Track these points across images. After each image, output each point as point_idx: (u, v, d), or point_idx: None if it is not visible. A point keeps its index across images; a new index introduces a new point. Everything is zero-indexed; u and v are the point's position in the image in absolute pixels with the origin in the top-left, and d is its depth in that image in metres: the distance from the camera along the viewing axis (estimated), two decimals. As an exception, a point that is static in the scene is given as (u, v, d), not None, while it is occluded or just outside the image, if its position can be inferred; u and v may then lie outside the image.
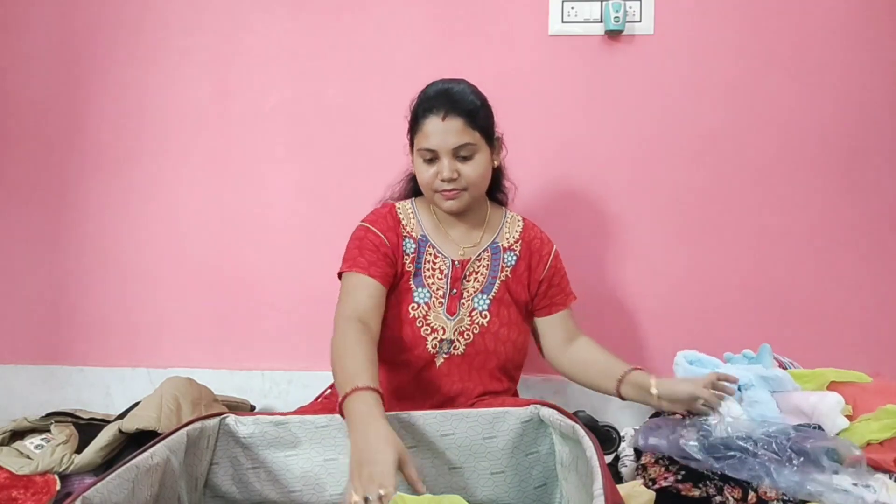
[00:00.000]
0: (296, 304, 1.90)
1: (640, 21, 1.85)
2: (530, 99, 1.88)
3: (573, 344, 1.45)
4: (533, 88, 1.88)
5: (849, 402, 1.32)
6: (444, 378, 1.34)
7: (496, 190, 1.49)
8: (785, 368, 1.51)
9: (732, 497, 1.10)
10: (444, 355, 1.34)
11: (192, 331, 1.96)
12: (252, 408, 1.81)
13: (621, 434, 1.46)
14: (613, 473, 1.35)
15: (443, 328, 1.34)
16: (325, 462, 1.15)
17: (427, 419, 1.14)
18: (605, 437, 1.48)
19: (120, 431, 1.42)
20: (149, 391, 1.62)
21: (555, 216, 1.86)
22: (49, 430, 1.48)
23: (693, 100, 1.85)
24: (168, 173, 1.96)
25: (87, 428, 1.49)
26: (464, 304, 1.36)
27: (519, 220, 1.47)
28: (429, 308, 1.35)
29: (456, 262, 1.37)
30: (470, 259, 1.38)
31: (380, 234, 1.35)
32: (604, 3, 1.83)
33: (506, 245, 1.42)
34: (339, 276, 1.35)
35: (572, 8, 1.86)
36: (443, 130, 1.27)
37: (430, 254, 1.37)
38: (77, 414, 1.57)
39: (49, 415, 1.54)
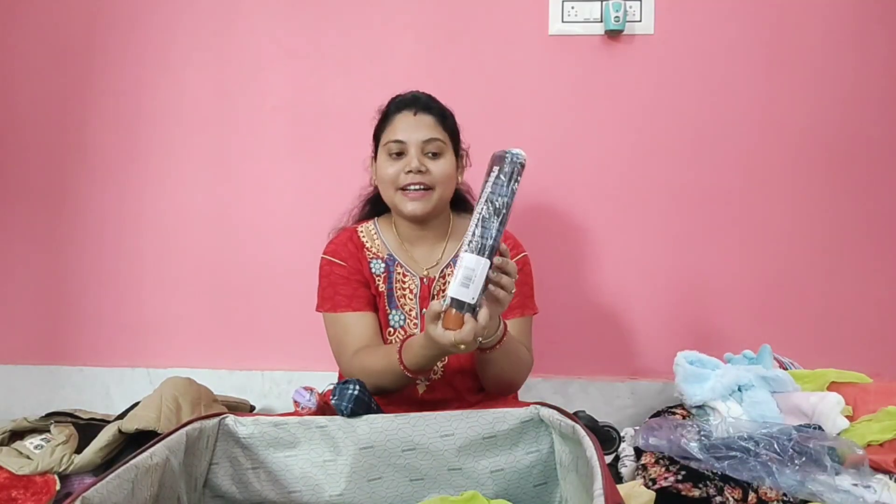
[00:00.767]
0: (296, 305, 1.90)
1: (640, 21, 1.85)
2: (530, 99, 1.88)
3: None
4: (533, 88, 1.88)
5: (849, 403, 1.32)
6: (428, 406, 1.24)
7: (461, 205, 1.44)
8: (785, 368, 1.51)
9: (733, 497, 1.10)
10: (425, 383, 1.31)
11: (192, 331, 1.96)
12: (252, 408, 1.81)
13: (621, 434, 1.46)
14: (613, 473, 1.35)
15: None
16: (325, 463, 1.15)
17: (427, 420, 1.14)
18: (605, 437, 1.47)
19: (119, 431, 1.42)
20: (148, 391, 1.62)
21: (554, 216, 1.86)
22: (49, 431, 1.48)
23: (693, 100, 1.85)
24: (168, 173, 1.96)
25: (87, 428, 1.49)
26: None
27: None
28: (405, 332, 1.31)
29: (424, 280, 1.33)
30: (435, 277, 1.33)
31: (343, 263, 1.32)
32: (604, 3, 1.83)
33: None
34: (320, 311, 1.34)
35: (572, 8, 1.86)
36: (414, 124, 1.27)
37: (399, 273, 1.33)
38: (77, 414, 1.57)
39: (49, 415, 1.54)
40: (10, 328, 2.00)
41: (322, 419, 1.16)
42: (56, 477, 1.36)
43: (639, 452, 1.29)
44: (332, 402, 1.16)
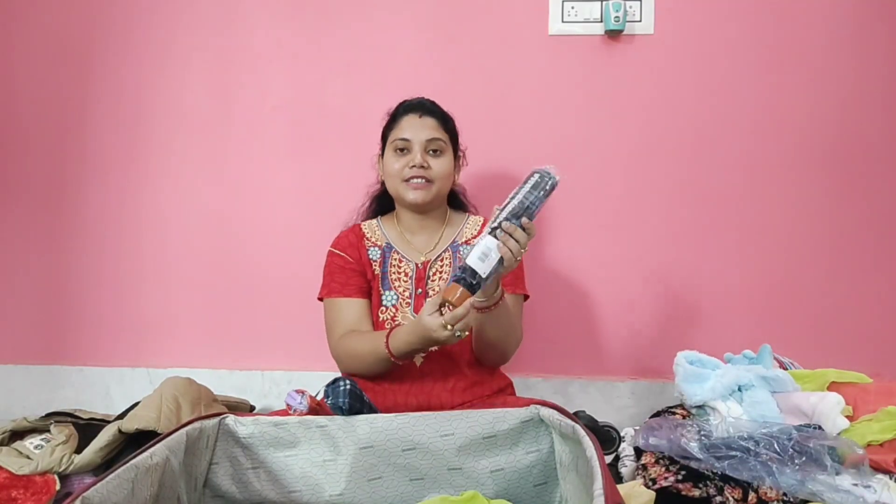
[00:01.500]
0: (296, 305, 1.90)
1: (640, 21, 1.85)
2: (530, 99, 1.88)
3: None
4: (533, 88, 1.88)
5: (849, 403, 1.32)
6: (427, 377, 1.37)
7: (457, 203, 1.58)
8: (785, 368, 1.51)
9: (733, 497, 1.10)
10: (422, 355, 1.38)
11: (192, 331, 1.96)
12: (252, 408, 1.81)
13: (621, 434, 1.46)
14: (613, 473, 1.35)
15: None
16: (325, 462, 1.16)
17: (427, 420, 1.14)
18: (605, 437, 1.47)
19: (119, 431, 1.42)
20: (148, 391, 1.62)
21: (553, 215, 1.86)
22: (49, 430, 1.48)
23: (693, 99, 1.85)
24: (168, 173, 1.96)
25: (87, 428, 1.49)
26: None
27: (480, 220, 1.53)
28: (396, 310, 1.42)
29: (419, 265, 1.45)
30: (431, 260, 1.45)
31: (341, 253, 1.46)
32: (604, 2, 1.83)
33: (465, 241, 1.47)
34: (321, 299, 1.46)
35: (572, 8, 1.86)
36: (419, 125, 1.42)
37: (395, 258, 1.46)
38: (77, 414, 1.57)
39: (49, 415, 1.54)
40: (10, 328, 2.00)
41: (322, 419, 1.17)
42: (56, 477, 1.36)
43: (639, 452, 1.29)
44: (328, 403, 1.16)
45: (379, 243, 1.47)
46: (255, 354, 1.94)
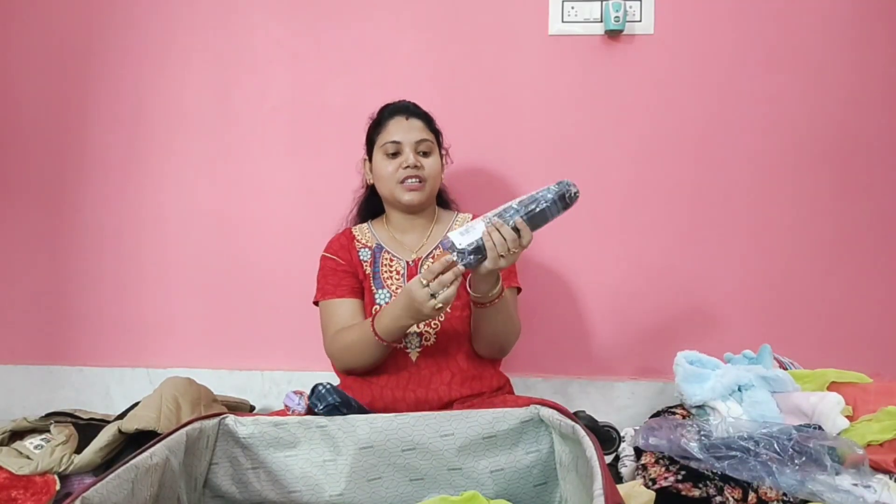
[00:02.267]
0: (295, 305, 1.90)
1: (640, 21, 1.85)
2: (530, 99, 1.88)
3: None
4: (533, 88, 1.88)
5: (849, 403, 1.32)
6: (424, 371, 1.38)
7: (444, 201, 1.61)
8: (785, 368, 1.51)
9: (733, 497, 1.10)
10: (417, 350, 1.39)
11: (192, 331, 1.96)
12: (252, 408, 1.81)
13: (621, 434, 1.46)
14: (613, 473, 1.35)
15: None
16: (325, 463, 1.16)
17: (427, 420, 1.14)
18: (605, 437, 1.47)
19: (119, 432, 1.42)
20: (148, 391, 1.62)
21: (555, 216, 1.86)
22: (49, 431, 1.48)
23: (693, 99, 1.85)
24: (168, 173, 1.96)
25: (87, 428, 1.49)
26: None
27: (469, 216, 1.56)
28: None
29: (410, 263, 1.47)
30: (422, 258, 1.47)
31: (333, 256, 1.49)
32: (604, 2, 1.83)
33: None
34: (316, 303, 1.49)
35: (572, 8, 1.86)
36: (407, 127, 1.45)
37: (386, 258, 1.48)
38: (77, 414, 1.57)
39: (49, 415, 1.54)
40: (10, 328, 2.00)
41: (322, 419, 1.17)
42: (56, 477, 1.36)
43: (639, 452, 1.29)
44: (318, 410, 1.17)
45: (369, 244, 1.50)
46: (255, 354, 1.94)
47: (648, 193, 1.86)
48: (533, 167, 1.87)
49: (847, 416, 1.28)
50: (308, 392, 1.22)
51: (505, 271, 1.38)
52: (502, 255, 1.17)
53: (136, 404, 1.54)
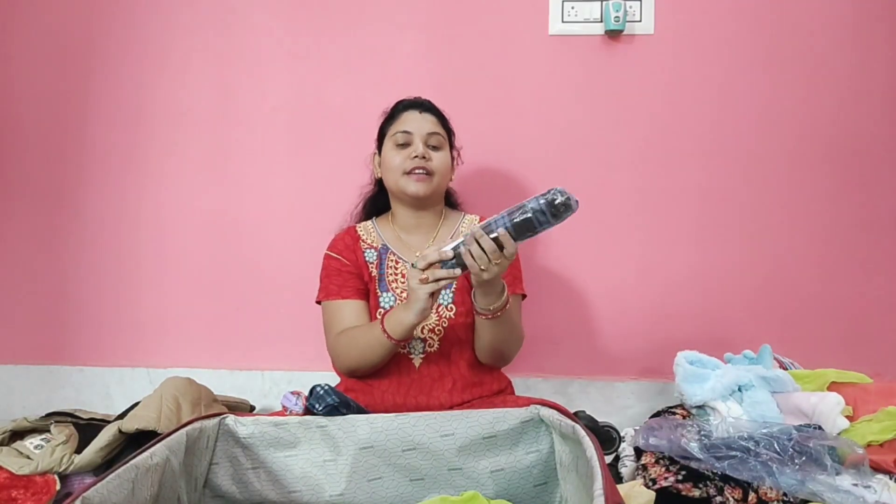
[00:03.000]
0: (296, 305, 1.90)
1: (640, 21, 1.85)
2: (530, 99, 1.88)
3: None
4: (533, 88, 1.88)
5: (849, 403, 1.32)
6: (426, 377, 1.37)
7: (453, 202, 1.61)
8: (785, 369, 1.51)
9: (733, 497, 1.10)
10: (421, 356, 1.38)
11: (192, 331, 1.96)
12: (252, 408, 1.81)
13: (621, 434, 1.46)
14: (613, 473, 1.35)
15: None
16: (325, 463, 1.16)
17: (427, 420, 1.14)
18: (605, 437, 1.47)
19: (120, 431, 1.42)
20: (148, 391, 1.62)
21: (555, 216, 1.86)
22: (49, 431, 1.48)
23: (693, 99, 1.85)
24: (168, 173, 1.96)
25: (87, 428, 1.49)
26: None
27: (476, 218, 1.54)
28: None
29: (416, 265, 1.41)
30: None
31: (338, 256, 1.47)
32: (604, 2, 1.83)
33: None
34: (318, 302, 1.47)
35: (572, 8, 1.86)
36: (420, 118, 1.45)
37: (392, 260, 1.46)
38: (77, 414, 1.57)
39: (49, 415, 1.54)
40: (10, 328, 2.00)
41: (322, 419, 1.17)
42: (56, 477, 1.36)
43: (639, 452, 1.29)
44: (317, 411, 1.17)
45: (375, 245, 1.48)
46: (255, 354, 1.94)
47: (648, 193, 1.86)
48: (533, 167, 1.87)
49: (847, 417, 1.28)
50: (306, 393, 1.22)
51: (509, 277, 1.37)
52: (483, 269, 1.15)
53: (136, 404, 1.54)
